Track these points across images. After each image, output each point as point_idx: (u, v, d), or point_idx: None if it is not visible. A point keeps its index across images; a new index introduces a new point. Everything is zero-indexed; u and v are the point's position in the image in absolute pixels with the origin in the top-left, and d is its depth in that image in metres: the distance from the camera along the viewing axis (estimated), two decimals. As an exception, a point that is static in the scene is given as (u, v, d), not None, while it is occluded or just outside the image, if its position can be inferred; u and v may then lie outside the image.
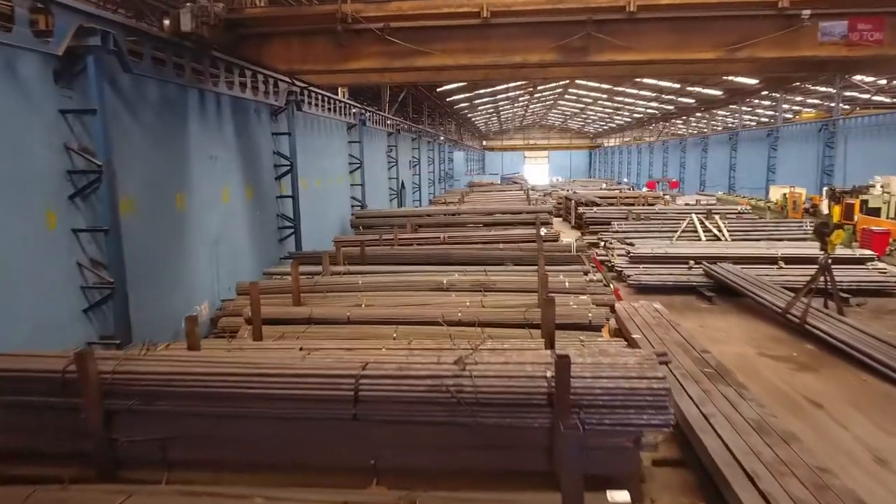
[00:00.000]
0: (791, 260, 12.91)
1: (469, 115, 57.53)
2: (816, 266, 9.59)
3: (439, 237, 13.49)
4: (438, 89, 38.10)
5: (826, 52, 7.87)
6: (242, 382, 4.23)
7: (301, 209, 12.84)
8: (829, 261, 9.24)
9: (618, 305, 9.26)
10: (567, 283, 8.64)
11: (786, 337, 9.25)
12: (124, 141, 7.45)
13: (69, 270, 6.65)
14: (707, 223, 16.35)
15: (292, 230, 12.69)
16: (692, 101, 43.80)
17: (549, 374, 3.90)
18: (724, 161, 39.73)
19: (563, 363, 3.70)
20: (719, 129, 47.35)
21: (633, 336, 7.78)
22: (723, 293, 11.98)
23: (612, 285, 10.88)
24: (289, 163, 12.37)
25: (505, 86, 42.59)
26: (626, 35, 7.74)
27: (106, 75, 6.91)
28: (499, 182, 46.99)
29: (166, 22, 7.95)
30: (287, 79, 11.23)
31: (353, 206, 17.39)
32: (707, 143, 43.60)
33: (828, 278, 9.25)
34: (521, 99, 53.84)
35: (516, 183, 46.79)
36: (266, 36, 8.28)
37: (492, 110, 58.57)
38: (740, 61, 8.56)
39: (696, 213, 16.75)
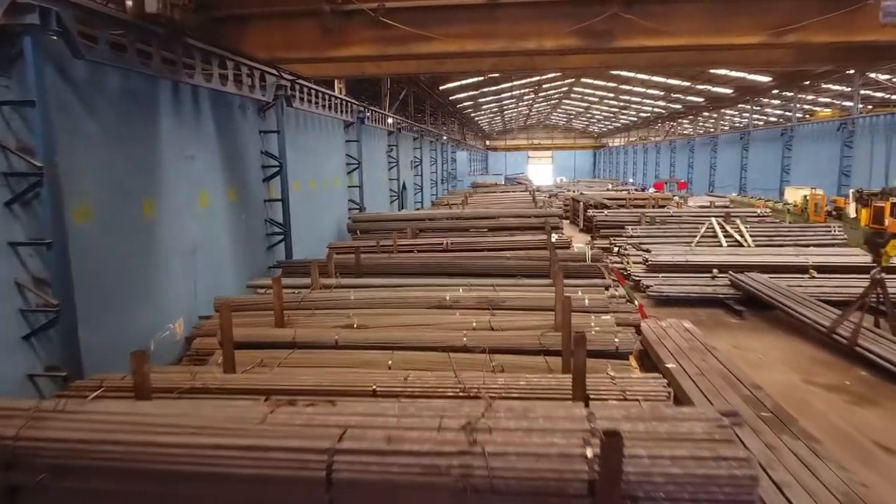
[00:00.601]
0: (824, 269, 11.85)
1: (473, 115, 56.56)
2: (854, 276, 8.54)
3: (442, 243, 12.47)
4: (441, 87, 37.16)
5: (888, 35, 6.82)
6: (183, 455, 3.21)
7: (292, 213, 11.82)
8: (883, 274, 8.19)
9: (644, 325, 8.21)
10: (587, 301, 7.62)
11: (833, 360, 8.20)
12: (78, 139, 6.41)
13: (5, 291, 5.65)
14: (727, 227, 15.30)
15: (282, 236, 11.68)
16: (701, 99, 42.75)
17: (589, 453, 2.87)
18: (734, 161, 38.62)
19: (613, 445, 2.67)
20: (727, 128, 46.28)
21: (668, 366, 6.75)
22: (752, 305, 10.94)
23: (635, 301, 9.83)
24: (278, 163, 11.36)
25: (510, 84, 41.62)
26: (659, 17, 6.70)
27: (50, 61, 5.90)
28: (503, 183, 45.95)
29: (129, 3, 6.95)
30: (274, 71, 10.20)
31: (350, 210, 16.39)
32: (716, 143, 42.48)
33: (881, 294, 8.20)
34: (525, 98, 52.86)
35: (521, 184, 45.75)
36: (243, 19, 7.28)
37: (496, 109, 57.57)
38: (786, 46, 7.51)
39: (715, 217, 15.68)
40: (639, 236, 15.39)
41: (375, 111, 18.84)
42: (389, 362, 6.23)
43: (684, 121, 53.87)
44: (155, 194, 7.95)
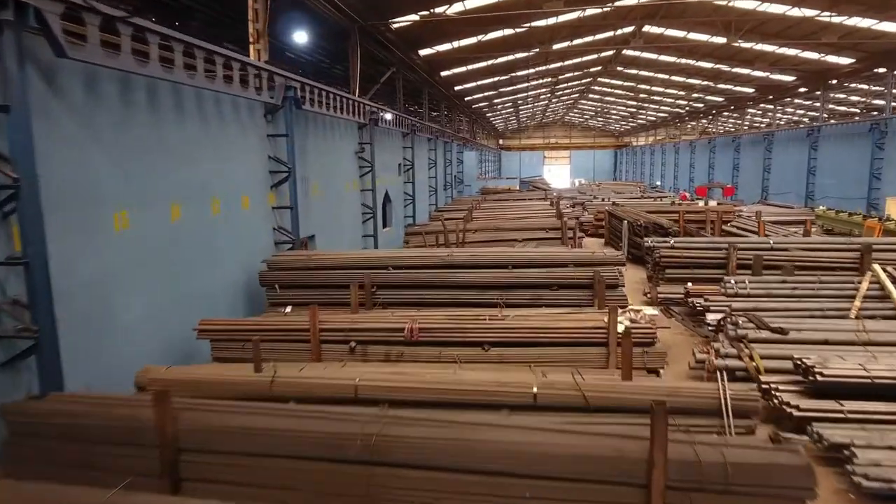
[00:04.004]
0: None
1: (487, 112, 50.53)
2: None
3: (406, 328, 6.53)
4: (457, 87, 31.22)
5: None
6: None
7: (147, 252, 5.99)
8: None
9: None
10: None
11: None
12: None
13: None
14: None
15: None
16: (751, 90, 36.30)
17: None
18: (796, 163, 32.08)
19: None
20: (769, 123, 39.80)
21: None
22: None
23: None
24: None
25: (526, 72, 35.59)
26: None
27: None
28: (517, 188, 39.81)
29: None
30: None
31: (278, 244, 10.40)
32: (771, 141, 35.93)
33: None
34: (542, 97, 46.75)
35: (538, 188, 39.53)
36: None
37: (510, 107, 51.55)
38: None
39: (880, 265, 9.38)
40: (747, 294, 9.21)
41: (332, 93, 12.82)
42: None
43: (728, 115, 47.35)
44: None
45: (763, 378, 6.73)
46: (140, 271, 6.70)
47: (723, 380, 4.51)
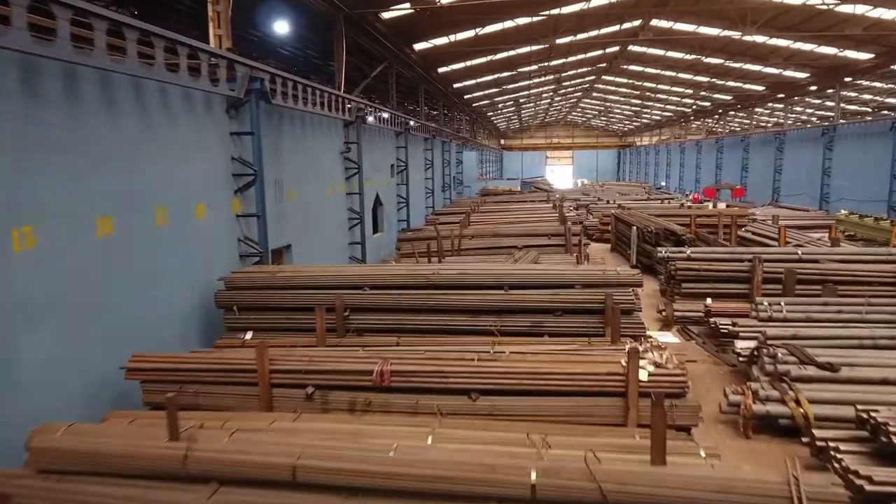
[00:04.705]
0: None
1: (488, 112, 49.24)
2: None
3: (374, 371, 5.27)
4: (456, 85, 29.93)
5: None
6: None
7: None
8: None
9: None
10: None
11: None
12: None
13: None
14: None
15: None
16: (762, 88, 34.94)
17: None
18: (808, 163, 30.73)
19: None
20: (777, 122, 38.44)
21: None
22: None
23: None
24: None
25: (528, 82, 34.34)
26: None
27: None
28: (519, 189, 38.51)
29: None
30: None
31: (244, 257, 9.14)
32: (783, 141, 34.56)
33: None
34: (545, 95, 45.43)
35: (540, 189, 38.22)
36: None
37: (512, 108, 50.30)
38: None
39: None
40: (783, 319, 7.92)
41: (316, 89, 11.57)
42: None
43: (734, 114, 45.99)
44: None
45: (816, 433, 5.45)
46: (54, 300, 5.46)
47: (795, 470, 3.23)
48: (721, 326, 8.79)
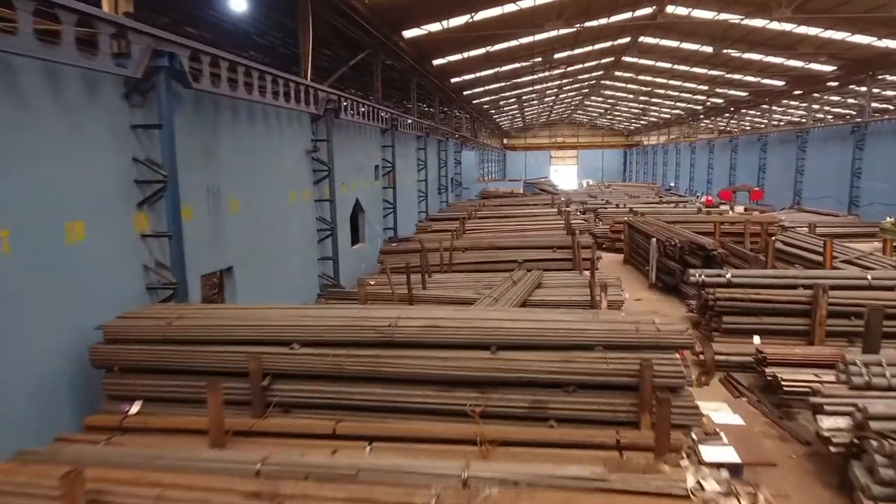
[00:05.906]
0: None
1: (490, 110, 47.01)
2: None
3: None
4: (453, 80, 27.70)
5: None
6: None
7: None
8: None
9: None
10: None
11: None
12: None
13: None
14: None
15: None
16: (782, 82, 32.51)
17: None
18: (834, 163, 28.37)
19: None
20: (790, 122, 36.03)
21: None
22: None
23: None
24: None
25: (531, 77, 32.10)
26: None
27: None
28: (521, 191, 36.24)
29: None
30: None
31: (154, 289, 6.96)
32: (805, 140, 32.18)
33: None
34: (550, 92, 43.14)
35: (544, 192, 35.94)
36: None
37: (515, 106, 48.04)
38: None
39: None
40: (887, 387, 5.67)
41: (255, 69, 9.35)
42: None
43: (745, 111, 43.56)
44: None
45: None
46: None
47: None
48: (786, 384, 6.54)
